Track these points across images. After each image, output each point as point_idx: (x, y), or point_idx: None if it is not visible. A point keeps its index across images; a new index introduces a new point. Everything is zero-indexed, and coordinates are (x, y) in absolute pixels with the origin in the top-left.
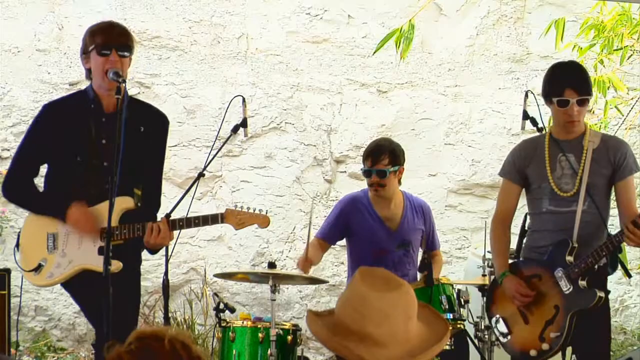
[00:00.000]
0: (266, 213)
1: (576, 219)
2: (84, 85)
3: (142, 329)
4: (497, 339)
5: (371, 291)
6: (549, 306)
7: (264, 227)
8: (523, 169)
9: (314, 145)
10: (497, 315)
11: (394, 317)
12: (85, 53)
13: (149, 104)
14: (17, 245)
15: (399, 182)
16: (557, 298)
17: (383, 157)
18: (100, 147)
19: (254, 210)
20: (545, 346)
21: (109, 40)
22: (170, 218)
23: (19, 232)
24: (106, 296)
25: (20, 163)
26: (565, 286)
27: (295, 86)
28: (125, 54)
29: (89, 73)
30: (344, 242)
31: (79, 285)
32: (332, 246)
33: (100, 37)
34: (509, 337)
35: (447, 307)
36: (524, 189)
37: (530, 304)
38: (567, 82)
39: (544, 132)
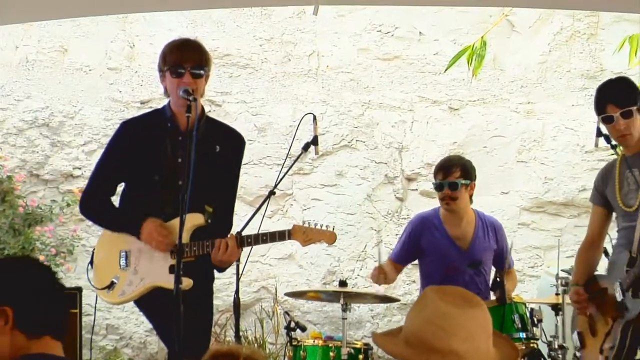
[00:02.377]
0: (333, 229)
1: (636, 231)
2: (155, 103)
3: (217, 348)
4: (575, 354)
5: (454, 308)
6: (608, 318)
7: (330, 243)
8: (602, 191)
9: (385, 163)
10: (577, 330)
11: (477, 333)
12: (161, 71)
13: (226, 124)
14: (91, 262)
15: (471, 200)
16: (613, 309)
17: (454, 170)
18: (176, 165)
19: (322, 227)
20: (600, 359)
21: (182, 61)
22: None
23: (93, 250)
24: (177, 314)
25: (98, 181)
26: (619, 297)
27: (366, 103)
28: (200, 72)
29: (166, 91)
30: (416, 260)
31: (151, 303)
32: None
33: (173, 56)
34: (582, 351)
35: (520, 326)
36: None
37: (598, 316)
38: (606, 98)
39: (618, 149)
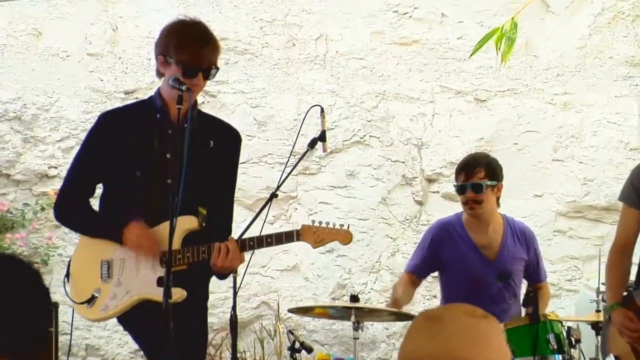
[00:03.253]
0: (348, 228)
1: None
2: (141, 93)
3: None
4: None
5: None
6: None
7: (345, 243)
8: None
9: (403, 162)
10: (611, 354)
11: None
12: (163, 55)
13: (220, 119)
14: (67, 275)
15: (498, 203)
16: None
17: (478, 169)
18: (164, 161)
19: (334, 226)
20: None
21: (198, 63)
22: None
23: (69, 260)
24: (167, 332)
25: (73, 181)
26: None
27: (380, 94)
28: (212, 72)
29: (159, 74)
30: (436, 272)
31: (137, 319)
32: None
33: (187, 54)
34: None
35: (555, 347)
36: None
37: None
38: None
39: None
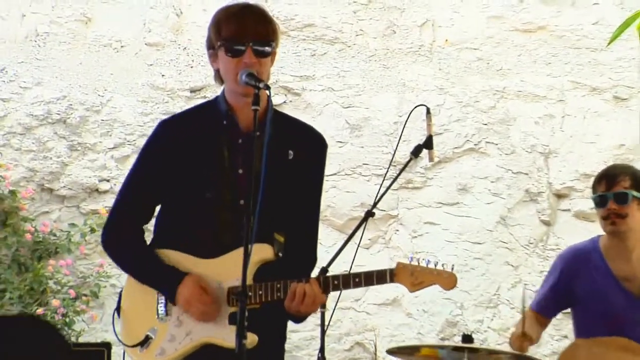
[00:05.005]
0: (452, 269)
1: None
2: (210, 92)
3: None
4: None
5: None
6: None
7: (448, 289)
8: None
9: (526, 174)
10: None
11: None
12: (211, 49)
13: (301, 121)
14: (118, 309)
15: None
16: None
17: (622, 177)
18: (235, 179)
19: (436, 265)
20: None
21: (242, 33)
22: (325, 275)
23: (120, 292)
24: None
25: (126, 202)
26: None
27: (499, 92)
28: (266, 49)
29: (218, 76)
30: (568, 309)
31: None
32: None
33: (229, 28)
34: None
35: None
36: None
37: None
38: None
39: None
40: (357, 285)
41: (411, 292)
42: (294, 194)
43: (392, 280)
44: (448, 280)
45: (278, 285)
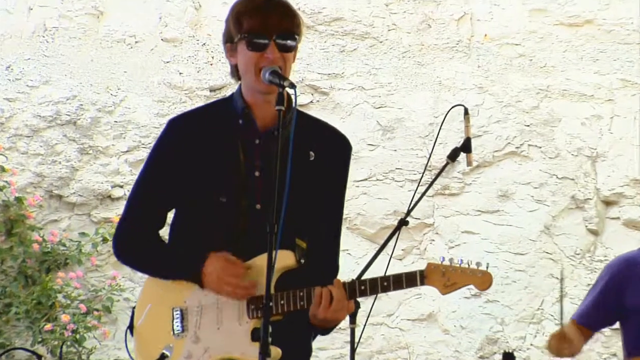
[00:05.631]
0: (487, 268)
1: None
2: (230, 90)
3: None
4: None
5: None
6: None
7: (483, 289)
8: None
9: (572, 179)
10: None
11: None
12: (229, 42)
13: (323, 121)
14: (131, 327)
15: None
16: None
17: None
18: (252, 181)
19: (469, 264)
20: None
21: (266, 26)
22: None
23: (133, 309)
24: None
25: (137, 207)
26: None
27: (543, 90)
28: (289, 43)
29: (235, 71)
30: (616, 323)
31: None
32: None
33: (250, 20)
34: None
35: None
36: None
37: None
38: None
39: None
40: (385, 289)
41: (443, 294)
42: (316, 197)
43: (422, 283)
44: (483, 280)
45: (301, 294)
